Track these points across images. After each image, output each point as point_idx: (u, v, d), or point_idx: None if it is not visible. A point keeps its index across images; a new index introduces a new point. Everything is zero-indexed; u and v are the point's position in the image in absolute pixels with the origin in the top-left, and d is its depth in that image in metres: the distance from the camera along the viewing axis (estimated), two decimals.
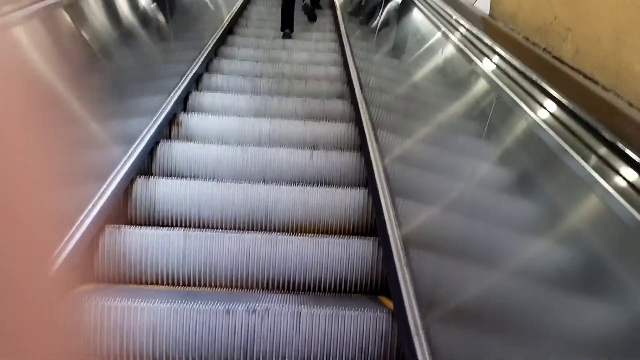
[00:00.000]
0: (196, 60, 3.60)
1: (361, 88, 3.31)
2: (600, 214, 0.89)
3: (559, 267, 0.96)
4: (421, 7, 2.42)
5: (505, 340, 1.12)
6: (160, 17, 3.16)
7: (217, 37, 4.35)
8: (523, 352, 1.02)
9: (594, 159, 0.89)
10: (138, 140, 2.36)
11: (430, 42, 2.31)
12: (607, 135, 0.87)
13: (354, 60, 3.89)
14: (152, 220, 2.22)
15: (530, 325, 1.01)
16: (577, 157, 0.92)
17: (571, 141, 0.96)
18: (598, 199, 0.86)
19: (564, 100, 1.04)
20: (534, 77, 1.19)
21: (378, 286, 1.94)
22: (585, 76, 1.24)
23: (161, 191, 2.22)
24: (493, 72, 1.42)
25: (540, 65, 1.33)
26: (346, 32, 4.76)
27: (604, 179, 0.83)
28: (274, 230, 2.17)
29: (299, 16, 5.90)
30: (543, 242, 1.05)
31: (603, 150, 0.87)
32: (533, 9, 1.65)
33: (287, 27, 5.04)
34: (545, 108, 1.10)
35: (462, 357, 1.25)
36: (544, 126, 1.06)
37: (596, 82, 1.20)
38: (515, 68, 1.30)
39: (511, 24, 1.75)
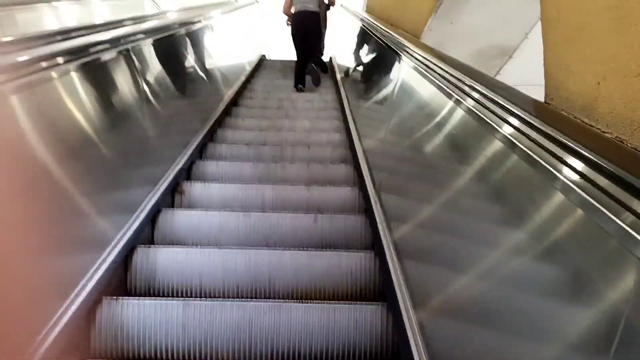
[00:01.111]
0: (200, 131, 3.65)
1: (364, 153, 3.32)
2: None
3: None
4: (435, 79, 2.15)
5: None
6: (165, 93, 3.24)
7: (222, 108, 4.45)
8: None
9: None
10: (139, 210, 2.34)
11: (443, 115, 2.09)
12: None
13: (356, 126, 3.94)
14: (152, 291, 2.14)
15: None
16: None
17: None
18: None
19: None
20: None
21: (389, 355, 1.83)
22: None
23: (161, 260, 2.17)
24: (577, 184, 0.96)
25: None
26: (348, 100, 4.86)
27: None
28: (278, 297, 2.09)
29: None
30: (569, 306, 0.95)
31: None
32: (626, 98, 1.09)
33: (299, 83, 6.02)
34: None
35: None
36: None
37: None
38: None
39: (585, 117, 1.24)
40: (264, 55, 8.38)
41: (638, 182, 0.80)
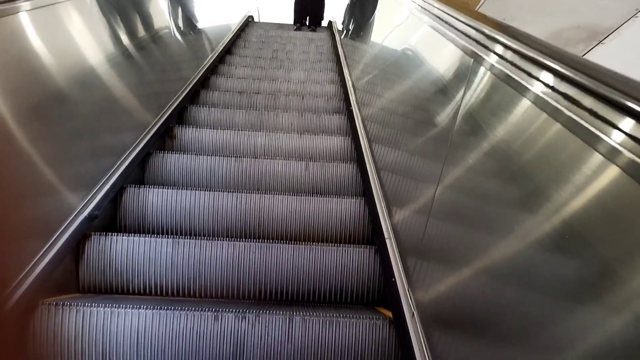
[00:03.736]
0: (193, 76, 3.59)
1: (357, 104, 3.29)
2: None
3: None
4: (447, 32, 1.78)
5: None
6: (156, 37, 3.16)
7: (216, 54, 4.37)
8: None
9: None
10: (129, 151, 2.31)
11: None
12: None
13: (351, 79, 3.89)
14: (142, 230, 2.15)
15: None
16: None
17: None
18: None
19: None
20: None
21: (375, 296, 1.86)
22: None
23: (151, 200, 2.16)
24: None
25: None
26: (344, 53, 4.78)
27: None
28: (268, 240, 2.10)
29: (297, 39, 5.96)
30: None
31: None
32: None
33: (298, 22, 6.93)
34: None
35: None
36: None
37: None
38: None
39: None
40: (251, 17, 7.08)
41: None
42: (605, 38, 2.98)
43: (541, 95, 1.03)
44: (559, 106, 0.94)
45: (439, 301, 1.43)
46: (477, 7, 3.03)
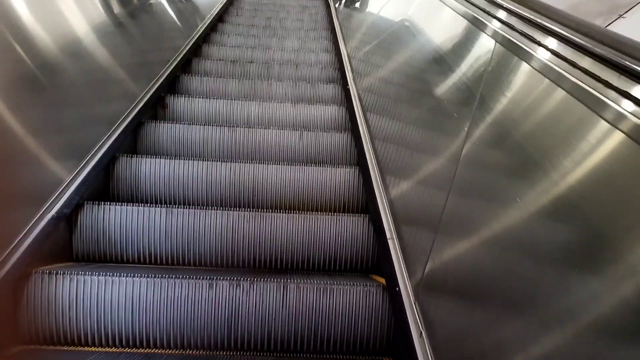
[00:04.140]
0: (185, 45, 3.52)
1: (353, 73, 3.25)
2: None
3: None
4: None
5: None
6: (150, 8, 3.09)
7: (208, 22, 4.28)
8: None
9: None
10: (120, 120, 2.28)
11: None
12: None
13: (346, 47, 3.83)
14: (135, 200, 2.14)
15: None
16: None
17: None
18: None
19: None
20: None
21: (369, 264, 1.87)
22: None
23: (144, 170, 2.14)
24: None
25: None
26: (339, 21, 4.70)
27: None
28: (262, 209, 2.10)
29: (291, 7, 5.85)
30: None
31: None
32: None
33: None
34: None
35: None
36: None
37: None
38: None
39: None
40: None
41: None
42: (626, 12, 2.87)
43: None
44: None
45: (433, 268, 1.44)
46: None
